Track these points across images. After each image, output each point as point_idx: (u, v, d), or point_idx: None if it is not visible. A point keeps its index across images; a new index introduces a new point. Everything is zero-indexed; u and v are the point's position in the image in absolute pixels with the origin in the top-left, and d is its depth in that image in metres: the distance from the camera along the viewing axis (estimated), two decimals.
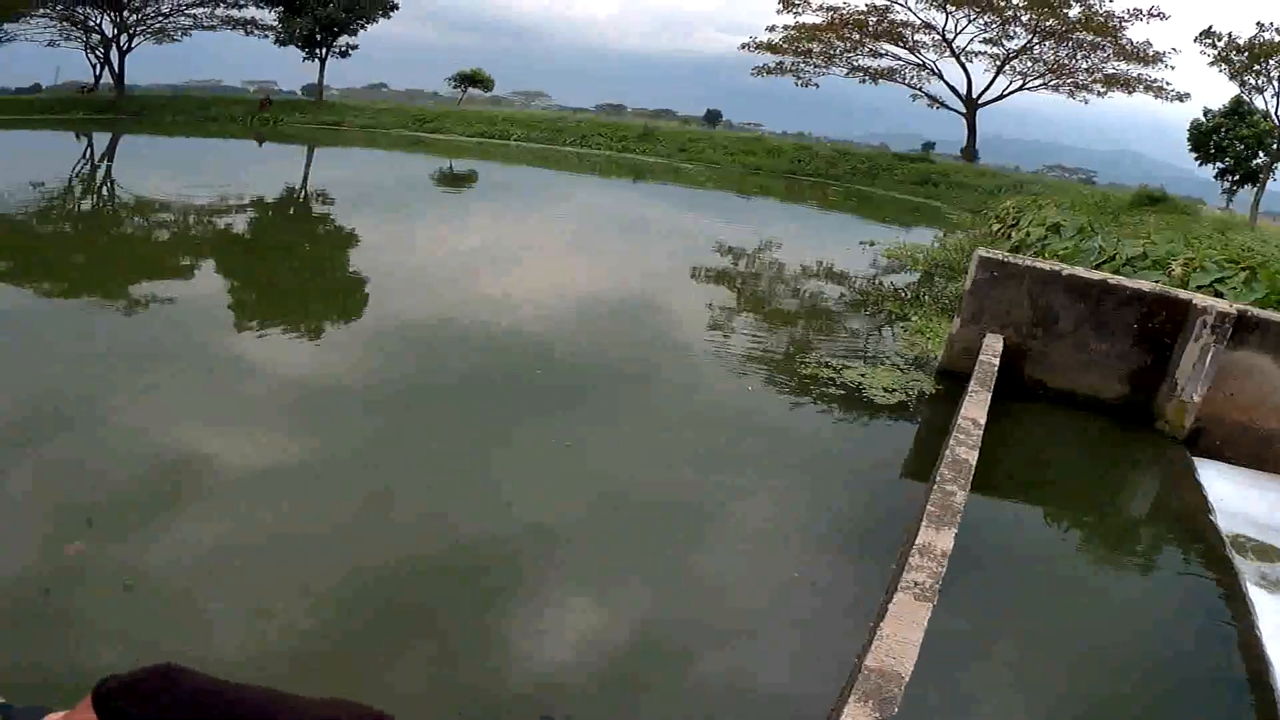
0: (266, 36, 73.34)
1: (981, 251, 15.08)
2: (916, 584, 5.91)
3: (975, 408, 10.46)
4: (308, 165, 44.06)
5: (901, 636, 5.22)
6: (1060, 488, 11.87)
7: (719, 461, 10.95)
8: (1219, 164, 57.63)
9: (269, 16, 72.56)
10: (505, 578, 7.67)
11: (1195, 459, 13.04)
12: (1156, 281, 15.60)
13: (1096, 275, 14.76)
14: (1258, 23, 50.29)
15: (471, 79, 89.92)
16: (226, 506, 8.34)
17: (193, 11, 71.27)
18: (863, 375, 14.54)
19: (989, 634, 7.78)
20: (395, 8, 74.15)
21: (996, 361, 12.90)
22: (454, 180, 43.08)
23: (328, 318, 15.88)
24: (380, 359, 13.53)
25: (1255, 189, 53.59)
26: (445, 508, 8.87)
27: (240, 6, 71.89)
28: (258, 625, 6.59)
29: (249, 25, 73.40)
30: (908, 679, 4.83)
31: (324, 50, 73.42)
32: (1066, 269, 14.70)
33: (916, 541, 6.57)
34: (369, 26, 73.56)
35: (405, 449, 10.27)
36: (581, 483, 9.89)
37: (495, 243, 25.25)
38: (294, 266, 20.86)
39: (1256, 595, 9.00)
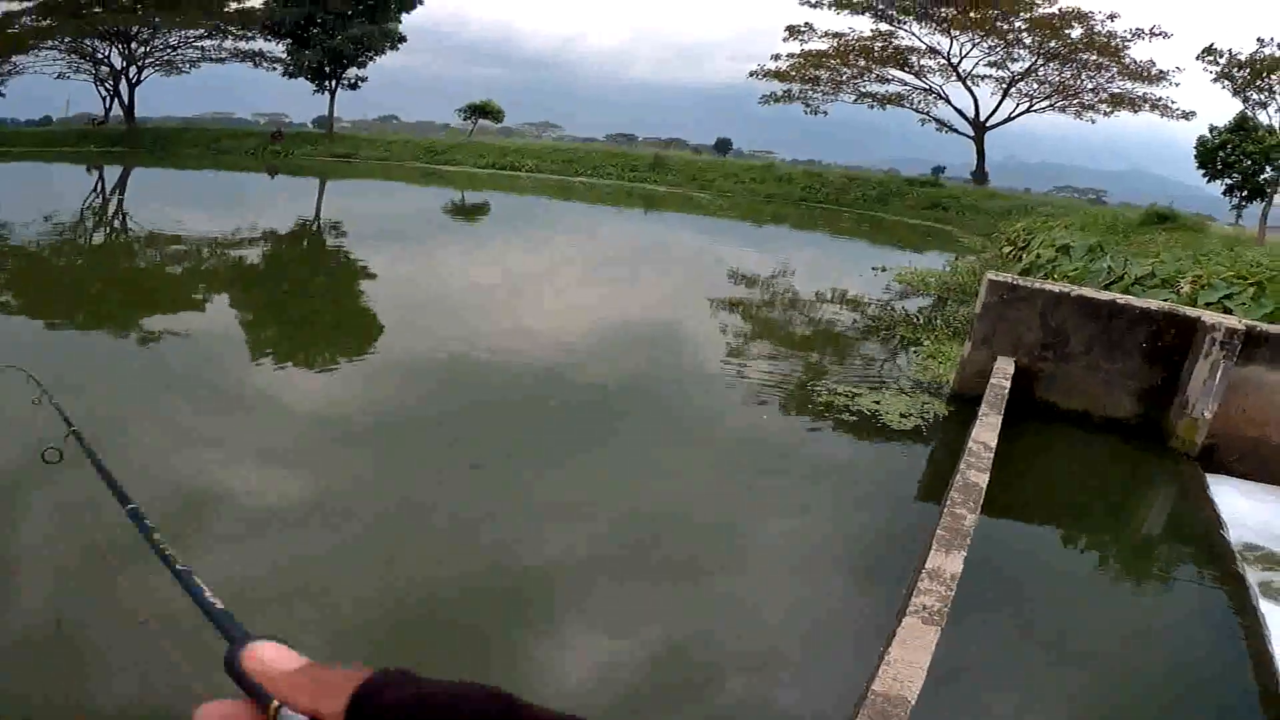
0: (275, 69, 73.63)
1: (991, 275, 15.13)
2: (925, 608, 5.96)
3: (986, 431, 10.52)
4: (320, 198, 44.23)
5: (908, 660, 5.26)
6: (1075, 507, 11.93)
7: (737, 488, 11.08)
8: (1226, 180, 57.50)
9: (277, 49, 73.04)
10: (537, 597, 7.83)
11: (1208, 475, 13.08)
12: (1165, 300, 15.66)
13: (1106, 296, 14.82)
14: (1258, 39, 50.33)
15: (482, 110, 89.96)
16: (255, 535, 8.50)
17: (201, 44, 71.84)
18: (877, 402, 14.58)
19: (1006, 653, 7.85)
20: (403, 40, 74.37)
21: (1008, 384, 12.95)
22: (468, 212, 43.30)
23: (351, 351, 16.06)
24: (393, 392, 13.67)
25: (1263, 204, 53.44)
26: (476, 532, 9.04)
27: (249, 39, 72.38)
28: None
29: (257, 58, 73.79)
30: (914, 703, 4.87)
31: (333, 82, 73.61)
32: (1076, 290, 14.77)
33: (926, 565, 6.62)
34: (377, 59, 73.80)
35: (420, 480, 10.40)
36: (605, 508, 10.05)
37: (511, 274, 25.39)
38: (312, 300, 21.00)
39: (1268, 609, 9.03)
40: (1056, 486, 12.69)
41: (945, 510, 7.81)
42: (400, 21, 74.08)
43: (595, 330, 18.38)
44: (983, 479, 8.78)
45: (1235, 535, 10.99)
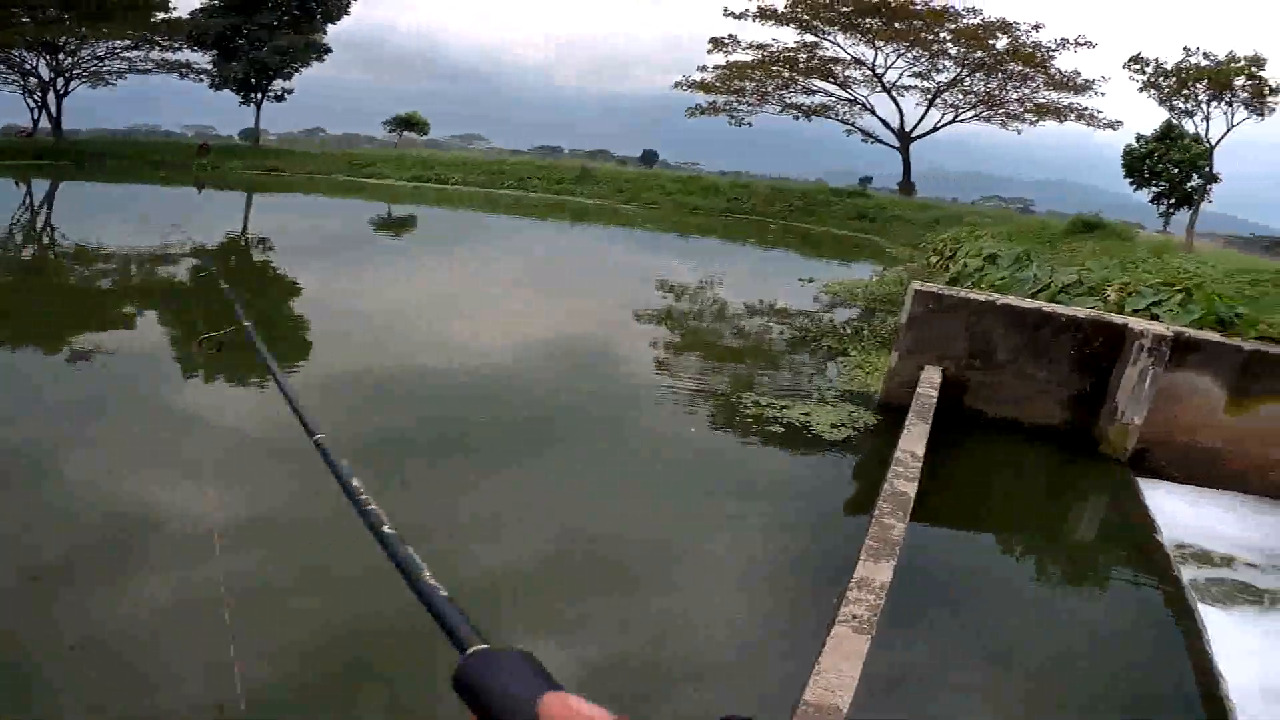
0: (201, 80, 73.30)
1: (917, 285, 15.24)
2: (855, 617, 5.98)
3: (913, 440, 10.59)
4: (247, 212, 43.87)
5: (840, 670, 5.27)
6: (1009, 514, 12.05)
7: (669, 501, 11.05)
8: (1154, 188, 58.27)
9: (203, 60, 72.67)
10: (471, 616, 7.69)
11: (1139, 479, 13.25)
12: (1092, 307, 15.81)
13: (1032, 304, 15.00)
14: (1184, 48, 51.23)
15: (407, 122, 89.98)
16: (179, 562, 8.32)
17: (128, 55, 71.40)
18: (806, 413, 14.60)
19: (943, 660, 7.90)
20: (329, 51, 74.09)
21: (935, 393, 13.05)
22: (393, 226, 42.96)
23: (279, 367, 15.76)
24: (332, 409, 13.42)
25: (1190, 211, 54.20)
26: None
27: (175, 50, 71.95)
28: (217, 681, 6.61)
29: (184, 69, 73.40)
30: (846, 712, 4.89)
31: (259, 95, 73.31)
32: (1002, 299, 14.92)
33: (855, 575, 6.65)
34: (303, 70, 73.44)
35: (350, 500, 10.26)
36: (537, 524, 9.99)
37: (439, 289, 25.23)
38: (239, 317, 20.67)
39: (1206, 611, 9.17)
40: (989, 494, 12.79)
41: (874, 520, 7.86)
42: (325, 33, 73.92)
43: (524, 345, 18.31)
44: (911, 488, 8.83)
45: (1169, 537, 11.16)
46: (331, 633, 7.47)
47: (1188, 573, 10.22)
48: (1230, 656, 8.30)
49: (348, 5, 73.16)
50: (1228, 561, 10.80)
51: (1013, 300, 15.11)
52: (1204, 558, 10.79)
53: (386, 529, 1.64)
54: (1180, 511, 12.16)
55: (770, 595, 9.05)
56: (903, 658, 7.41)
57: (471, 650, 1.08)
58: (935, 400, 12.75)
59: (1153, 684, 8.02)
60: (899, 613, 6.95)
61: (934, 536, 10.51)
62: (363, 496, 1.75)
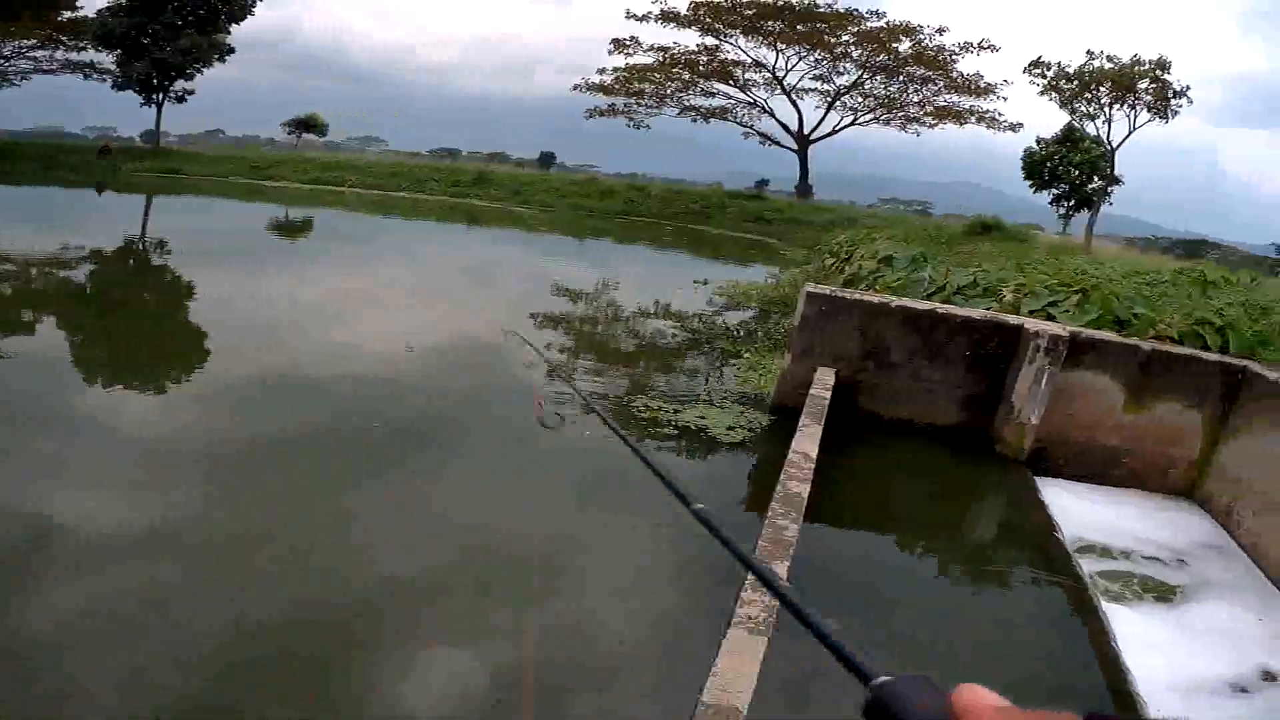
0: (105, 80, 72.47)
1: (810, 287, 15.27)
2: (750, 618, 5.93)
3: (806, 441, 10.57)
4: (146, 215, 43.29)
5: (737, 671, 5.22)
6: (907, 515, 12.12)
7: (566, 506, 11.06)
8: (1054, 190, 58.98)
9: (108, 60, 71.76)
10: (368, 631, 7.68)
11: (1038, 479, 13.41)
12: (988, 309, 15.89)
13: (926, 305, 15.06)
14: (1088, 51, 51.72)
15: (306, 124, 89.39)
16: (78, 571, 8.16)
17: (34, 55, 70.58)
18: (702, 416, 14.63)
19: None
20: (232, 51, 73.35)
21: (828, 395, 13.04)
22: (291, 229, 42.60)
23: (169, 375, 15.56)
24: (224, 415, 13.31)
25: (1090, 213, 54.88)
26: (303, 565, 8.80)
27: (80, 49, 71.14)
28: (126, 689, 6.53)
29: (88, 69, 72.53)
30: (745, 712, 4.86)
31: (161, 95, 72.48)
32: (896, 301, 14.97)
33: (750, 576, 6.61)
34: (205, 71, 72.65)
35: (256, 507, 10.12)
36: (435, 531, 9.91)
37: (332, 294, 25.00)
38: (133, 321, 20.39)
39: (1110, 608, 9.28)
40: (887, 495, 12.84)
41: (767, 521, 7.82)
42: (229, 33, 73.16)
43: (419, 350, 18.24)
44: (804, 489, 8.80)
45: (1069, 535, 11.29)
46: (243, 641, 7.36)
47: (1089, 570, 10.34)
48: (1136, 652, 8.39)
49: (252, 5, 72.41)
50: (1129, 558, 10.94)
51: (907, 302, 15.18)
52: (1105, 555, 10.93)
53: (780, 584, 1.69)
54: (1080, 510, 12.30)
55: (667, 596, 9.04)
56: (802, 658, 7.41)
57: (880, 680, 1.07)
58: (829, 402, 12.73)
59: (1060, 680, 8.08)
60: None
61: (832, 537, 10.55)
62: (755, 555, 1.78)
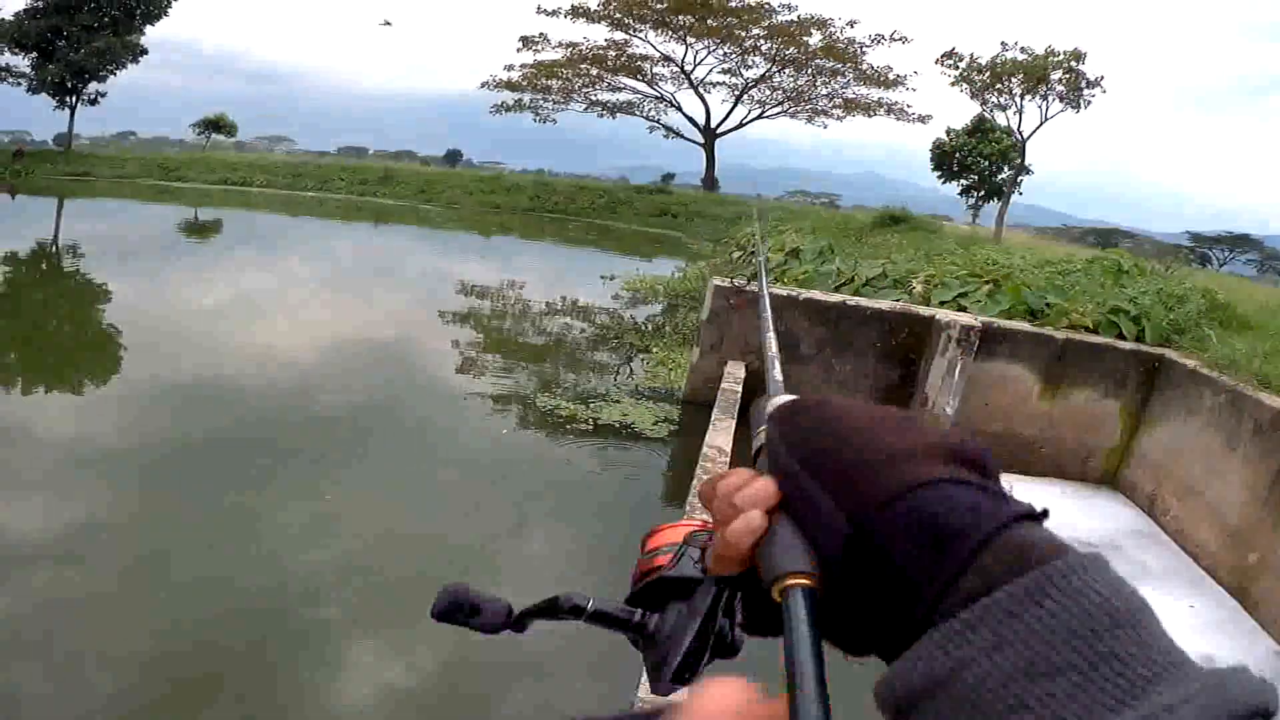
0: (19, 84, 71.44)
1: (716, 280, 15.31)
2: None
3: (719, 435, 10.59)
4: (58, 218, 42.78)
5: None
6: None
7: (487, 504, 11.07)
8: (963, 181, 59.46)
9: (23, 63, 70.68)
10: (286, 636, 7.67)
11: None
12: (898, 300, 15.98)
13: (835, 298, 15.13)
14: (1001, 42, 52.09)
15: (215, 124, 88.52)
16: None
17: None
18: (617, 412, 14.70)
19: (778, 650, 7.97)
20: (145, 52, 72.37)
21: (739, 389, 13.06)
22: (200, 230, 42.13)
23: (80, 378, 15.52)
24: (135, 419, 13.25)
25: (1000, 203, 55.31)
26: (218, 570, 8.68)
27: None
28: (38, 700, 6.48)
29: (3, 72, 71.50)
30: None
31: (74, 98, 71.47)
32: (804, 293, 15.03)
33: None
34: (118, 73, 71.67)
35: (168, 512, 10.03)
36: (356, 534, 9.87)
37: (242, 295, 24.80)
38: (41, 326, 20.22)
39: None
40: None
41: (686, 516, 7.85)
42: (144, 34, 72.21)
43: (327, 350, 18.14)
44: None
45: None
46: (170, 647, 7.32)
47: None
48: None
49: (167, 6, 71.50)
50: None
51: (815, 294, 15.26)
52: None
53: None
54: None
55: (597, 591, 9.06)
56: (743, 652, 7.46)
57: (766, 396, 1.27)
58: (740, 395, 12.78)
59: None
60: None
61: None
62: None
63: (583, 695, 7.42)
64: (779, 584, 0.88)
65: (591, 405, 14.97)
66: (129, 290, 23.86)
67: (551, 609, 1.38)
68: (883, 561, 0.85)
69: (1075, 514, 12.40)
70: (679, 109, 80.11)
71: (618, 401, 15.37)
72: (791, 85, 76.67)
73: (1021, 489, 10.72)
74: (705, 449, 9.99)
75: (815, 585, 0.88)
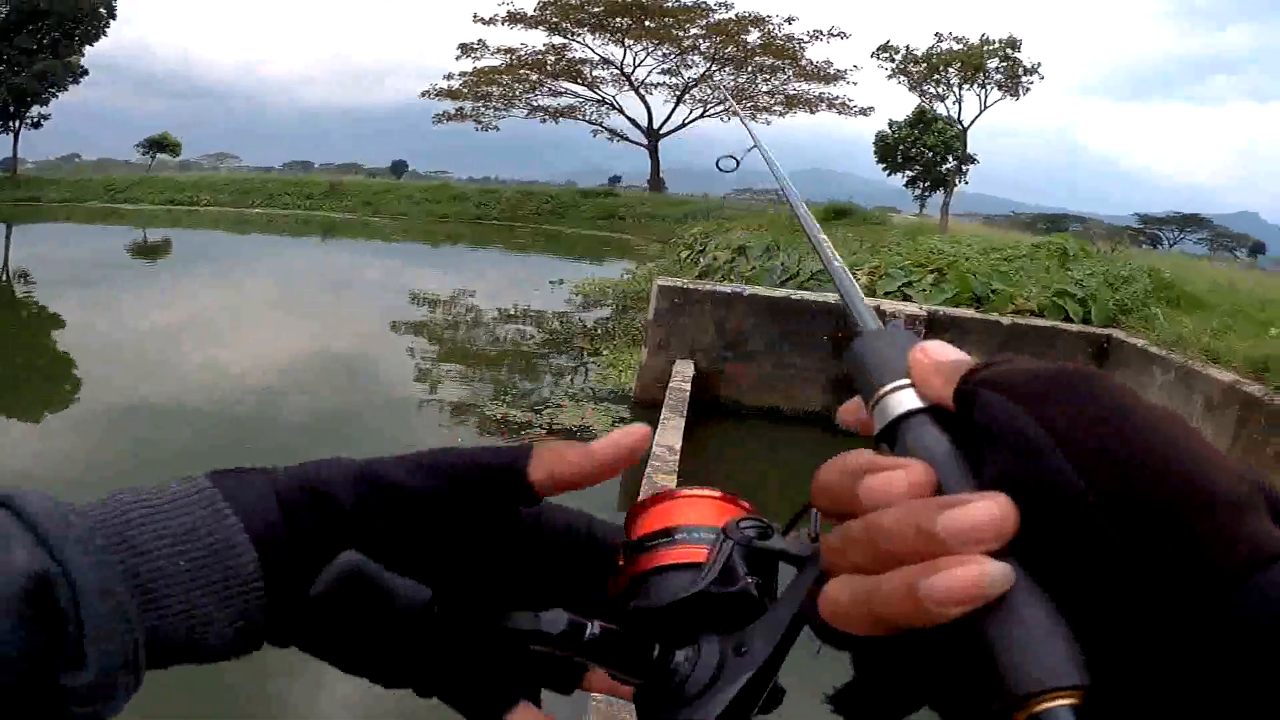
0: None
1: (661, 280, 15.25)
2: None
3: (669, 434, 10.51)
4: (6, 244, 42.44)
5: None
6: (785, 500, 12.11)
7: None
8: (907, 172, 59.61)
9: None
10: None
11: None
12: None
13: (780, 293, 15.15)
14: (936, 33, 52.25)
15: (159, 144, 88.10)
16: None
17: None
18: (567, 415, 14.57)
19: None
20: (85, 73, 71.82)
21: (688, 387, 12.97)
22: (149, 251, 41.86)
23: (35, 404, 15.47)
24: (92, 442, 13.19)
25: (945, 193, 55.45)
26: None
27: None
28: None
29: None
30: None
31: (18, 122, 70.88)
32: (749, 290, 15.01)
33: None
34: (61, 95, 71.08)
35: None
36: None
37: (196, 314, 24.64)
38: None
39: None
40: (763, 484, 12.84)
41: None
42: (84, 54, 71.71)
43: (285, 367, 18.03)
44: (671, 481, 8.76)
45: None
46: None
47: None
48: None
49: (105, 26, 71.00)
50: None
51: (760, 290, 15.27)
52: None
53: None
54: None
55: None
56: None
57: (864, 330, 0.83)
58: (689, 394, 12.70)
59: None
60: None
61: None
62: None
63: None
64: (1031, 705, 0.54)
65: (545, 411, 14.86)
66: (81, 314, 23.70)
67: (528, 635, 0.79)
68: (1223, 655, 0.55)
69: None
70: (621, 111, 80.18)
71: (568, 406, 15.27)
72: (732, 83, 76.73)
73: None
74: (654, 448, 9.90)
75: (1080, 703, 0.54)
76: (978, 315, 14.47)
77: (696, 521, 0.88)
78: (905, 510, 0.62)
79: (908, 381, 0.75)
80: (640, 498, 0.94)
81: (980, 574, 0.57)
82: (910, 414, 0.72)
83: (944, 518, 0.59)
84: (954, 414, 0.69)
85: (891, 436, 0.73)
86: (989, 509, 0.59)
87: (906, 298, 15.89)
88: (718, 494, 0.92)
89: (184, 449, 12.93)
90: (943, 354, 0.74)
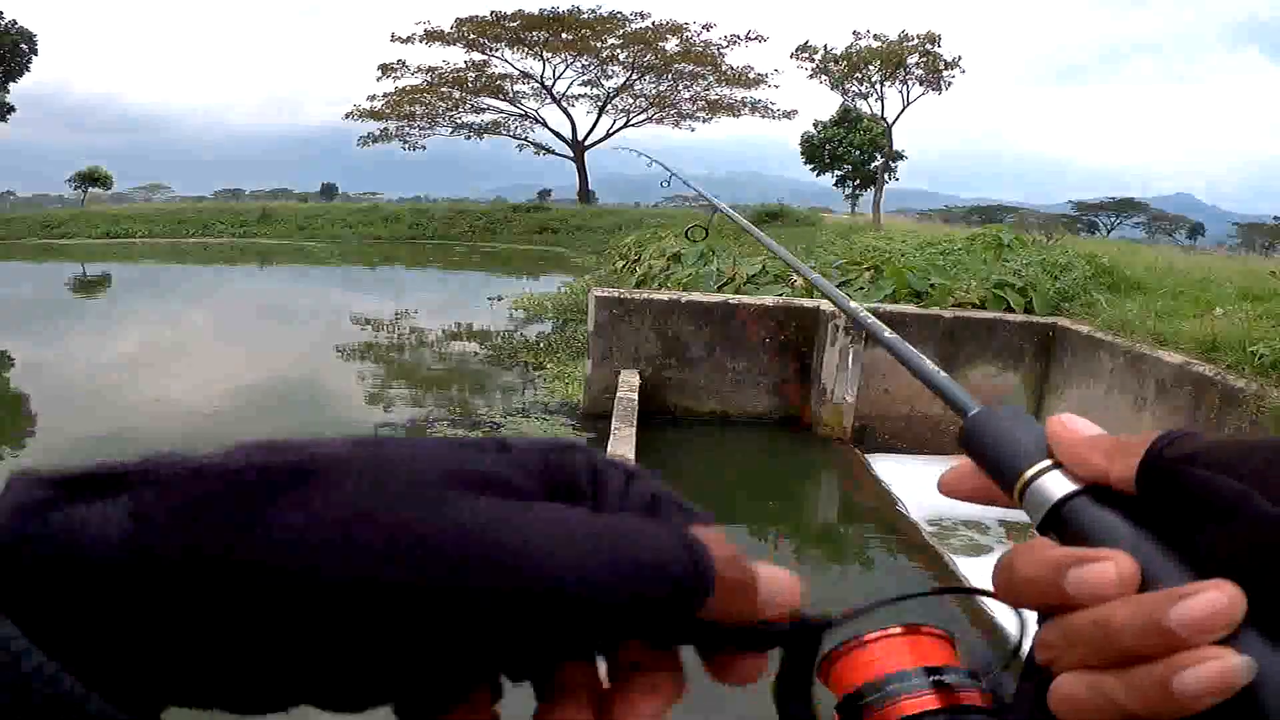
0: None
1: (597, 291, 15.17)
2: None
3: (621, 444, 10.41)
4: None
5: None
6: (742, 506, 12.07)
7: None
8: (836, 172, 59.79)
9: None
10: None
11: (868, 456, 13.58)
12: (780, 295, 15.92)
13: (718, 297, 15.11)
14: (854, 31, 52.31)
15: (91, 177, 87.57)
16: None
17: None
18: (516, 430, 14.51)
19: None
20: (12, 109, 71.27)
21: (635, 396, 12.89)
22: (88, 286, 41.46)
23: None
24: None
25: (875, 191, 55.67)
26: None
27: None
28: None
29: None
30: None
31: None
32: (686, 296, 15.01)
33: None
34: None
35: None
36: None
37: (141, 347, 24.41)
38: None
39: (971, 576, 9.26)
40: (719, 489, 12.78)
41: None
42: (8, 91, 71.15)
43: (234, 395, 17.90)
44: None
45: (914, 510, 11.31)
46: None
47: (939, 540, 10.38)
48: (1009, 619, 8.38)
49: (28, 62, 70.47)
50: (979, 527, 11.00)
51: (697, 296, 15.26)
52: (952, 526, 10.96)
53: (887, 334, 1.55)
54: (913, 481, 12.34)
55: None
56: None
57: (974, 412, 0.88)
58: (636, 403, 12.61)
59: None
60: None
61: None
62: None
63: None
64: None
65: (494, 429, 14.72)
66: (25, 351, 23.41)
67: None
68: None
69: None
70: (545, 125, 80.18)
71: (516, 421, 15.20)
72: (654, 91, 76.93)
73: (937, 469, 10.67)
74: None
75: None
76: (918, 310, 14.48)
77: (895, 668, 0.87)
78: (1135, 607, 0.63)
79: (1050, 463, 0.76)
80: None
81: (1227, 668, 0.58)
82: (1072, 496, 0.73)
83: (1175, 612, 0.60)
84: (1120, 492, 0.71)
85: (1058, 521, 0.73)
86: (1217, 600, 0.60)
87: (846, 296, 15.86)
88: (896, 630, 0.89)
89: None
90: (1086, 429, 0.76)
